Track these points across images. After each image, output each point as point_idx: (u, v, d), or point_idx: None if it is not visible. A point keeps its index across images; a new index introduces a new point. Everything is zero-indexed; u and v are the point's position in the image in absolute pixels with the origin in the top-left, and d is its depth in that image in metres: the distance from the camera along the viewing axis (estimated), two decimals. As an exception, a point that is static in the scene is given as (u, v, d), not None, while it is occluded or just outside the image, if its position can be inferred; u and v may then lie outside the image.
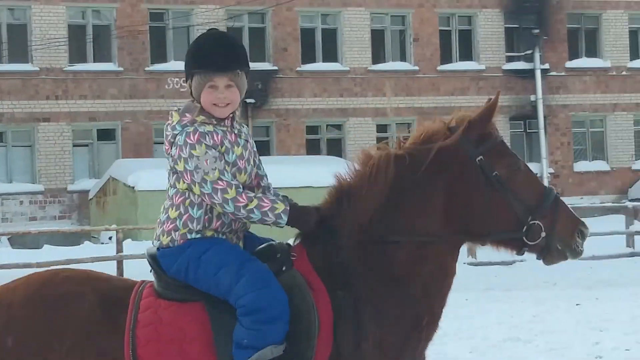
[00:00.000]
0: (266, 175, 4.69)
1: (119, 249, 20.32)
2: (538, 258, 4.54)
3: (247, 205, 4.32)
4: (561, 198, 4.57)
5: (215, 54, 4.42)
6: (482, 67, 35.42)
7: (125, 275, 16.07)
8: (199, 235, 4.39)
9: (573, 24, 36.72)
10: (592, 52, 36.94)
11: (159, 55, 32.50)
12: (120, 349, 4.23)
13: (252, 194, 4.38)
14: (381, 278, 4.38)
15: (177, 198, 4.42)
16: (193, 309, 4.30)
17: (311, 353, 4.23)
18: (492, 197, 4.41)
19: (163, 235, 4.42)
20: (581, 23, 36.90)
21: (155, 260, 4.45)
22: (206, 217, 4.41)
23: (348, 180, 4.52)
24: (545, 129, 35.48)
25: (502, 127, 34.97)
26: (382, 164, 4.43)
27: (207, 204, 4.37)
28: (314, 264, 4.38)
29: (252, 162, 4.54)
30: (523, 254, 4.56)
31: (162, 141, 4.67)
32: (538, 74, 35.29)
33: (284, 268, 4.37)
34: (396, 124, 34.55)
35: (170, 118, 4.48)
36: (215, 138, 4.38)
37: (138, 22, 31.89)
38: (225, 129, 4.46)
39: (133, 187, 27.45)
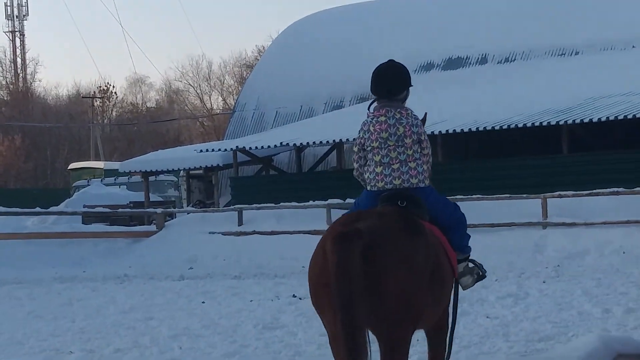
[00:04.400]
0: None
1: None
2: None
3: None
4: None
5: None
6: None
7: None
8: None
9: None
10: None
11: None
12: (441, 244, 6.68)
13: None
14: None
15: (424, 158, 7.11)
16: (435, 227, 6.79)
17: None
18: None
19: (425, 181, 7.06)
20: None
21: (416, 194, 6.95)
22: None
23: None
24: None
25: None
26: None
27: None
28: None
29: None
30: None
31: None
32: None
33: None
34: None
35: (404, 112, 7.07)
36: None
37: None
38: None
39: None
